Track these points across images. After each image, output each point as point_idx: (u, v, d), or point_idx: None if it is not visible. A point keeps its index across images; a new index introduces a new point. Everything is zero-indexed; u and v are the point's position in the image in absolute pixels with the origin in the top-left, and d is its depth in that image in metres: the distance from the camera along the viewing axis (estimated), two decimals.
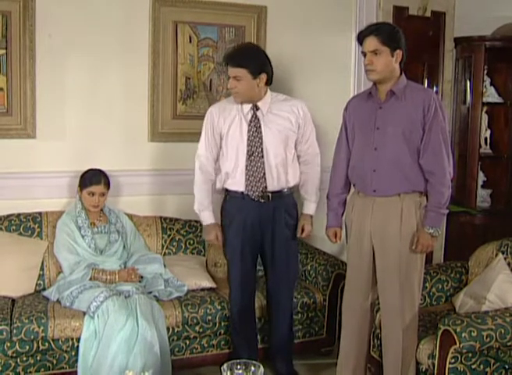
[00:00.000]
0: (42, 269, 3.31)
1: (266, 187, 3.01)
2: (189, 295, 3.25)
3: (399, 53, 2.70)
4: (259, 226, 3.06)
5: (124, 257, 3.36)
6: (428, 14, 4.16)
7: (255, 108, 3.01)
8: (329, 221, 2.97)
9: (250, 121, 3.01)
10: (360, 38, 2.73)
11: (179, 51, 3.65)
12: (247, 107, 3.01)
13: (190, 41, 3.67)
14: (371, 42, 2.68)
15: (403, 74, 2.75)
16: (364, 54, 2.71)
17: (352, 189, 2.94)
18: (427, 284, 3.25)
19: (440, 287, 3.30)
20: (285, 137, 3.04)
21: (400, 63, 2.73)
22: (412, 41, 4.08)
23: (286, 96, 3.14)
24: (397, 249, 2.73)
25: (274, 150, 3.01)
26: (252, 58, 2.96)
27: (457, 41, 4.25)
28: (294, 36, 3.86)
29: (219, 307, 3.20)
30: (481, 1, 4.18)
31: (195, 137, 3.71)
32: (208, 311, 3.17)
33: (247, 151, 2.99)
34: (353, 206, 2.87)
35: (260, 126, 3.00)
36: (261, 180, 3.00)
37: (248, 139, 2.99)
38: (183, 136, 3.73)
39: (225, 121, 3.03)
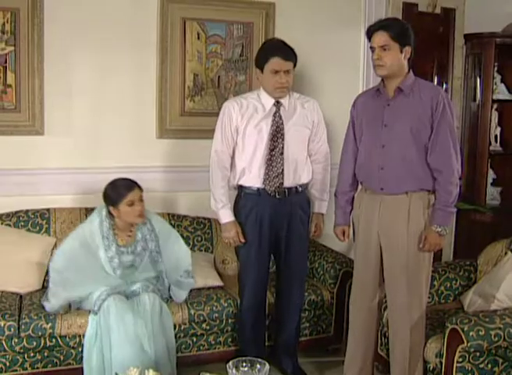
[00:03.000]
0: None
1: (282, 183, 3.00)
2: (195, 293, 3.24)
3: (408, 50, 2.68)
4: (275, 222, 3.04)
5: (154, 270, 3.15)
6: (437, 10, 4.12)
7: (278, 104, 3.00)
8: (337, 219, 2.96)
9: (274, 117, 2.99)
10: (370, 33, 2.71)
11: (187, 48, 3.64)
12: (270, 103, 2.99)
13: (198, 38, 3.66)
14: (381, 37, 2.65)
15: (411, 71, 2.73)
16: (373, 49, 2.70)
17: (360, 187, 2.93)
18: (435, 282, 3.23)
19: (448, 285, 3.27)
20: (303, 135, 3.06)
21: (409, 60, 2.72)
22: (422, 37, 4.05)
23: (299, 94, 3.14)
24: (405, 247, 2.71)
25: (294, 146, 3.02)
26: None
27: (467, 37, 4.20)
28: (303, 32, 3.83)
29: (226, 304, 3.19)
30: None
31: (203, 133, 3.73)
32: (215, 308, 3.16)
33: (269, 146, 2.98)
34: (360, 204, 2.85)
35: (282, 123, 2.99)
36: (278, 176, 2.99)
37: (271, 134, 2.98)
38: (191, 133, 3.73)
39: (243, 116, 3.00)
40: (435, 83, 4.22)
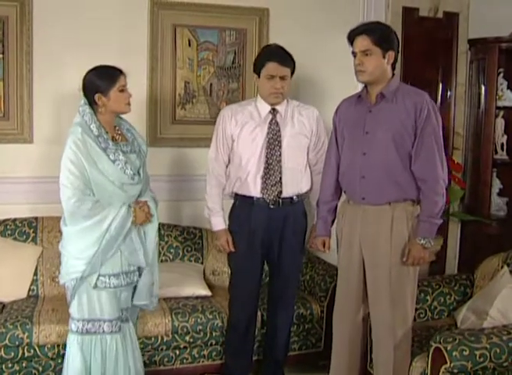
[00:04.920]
0: (36, 274, 3.29)
1: (281, 192, 2.93)
2: (180, 304, 3.17)
3: (391, 54, 2.58)
4: (268, 232, 2.96)
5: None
6: (440, 15, 3.99)
7: (274, 111, 2.94)
8: (318, 230, 2.85)
9: (270, 125, 2.93)
10: (351, 37, 2.62)
11: (178, 55, 3.59)
12: (266, 110, 2.93)
13: (189, 45, 3.61)
14: (363, 42, 2.57)
15: (394, 76, 2.63)
16: (354, 54, 2.61)
17: (343, 196, 2.82)
18: (428, 297, 3.11)
19: (442, 300, 3.14)
20: (301, 143, 2.98)
21: (393, 65, 2.62)
22: (424, 43, 3.97)
23: (299, 102, 3.08)
24: (388, 261, 2.59)
25: (291, 155, 2.94)
26: None
27: (471, 42, 4.05)
28: (298, 38, 3.73)
29: (211, 316, 3.11)
30: (496, 1, 3.99)
31: (195, 142, 3.68)
32: (199, 320, 3.08)
33: (266, 154, 2.91)
34: (343, 215, 2.74)
35: (279, 130, 2.93)
36: (277, 184, 2.92)
37: (268, 142, 2.91)
38: (183, 141, 3.68)
39: (238, 124, 2.95)
40: (440, 90, 4.08)
